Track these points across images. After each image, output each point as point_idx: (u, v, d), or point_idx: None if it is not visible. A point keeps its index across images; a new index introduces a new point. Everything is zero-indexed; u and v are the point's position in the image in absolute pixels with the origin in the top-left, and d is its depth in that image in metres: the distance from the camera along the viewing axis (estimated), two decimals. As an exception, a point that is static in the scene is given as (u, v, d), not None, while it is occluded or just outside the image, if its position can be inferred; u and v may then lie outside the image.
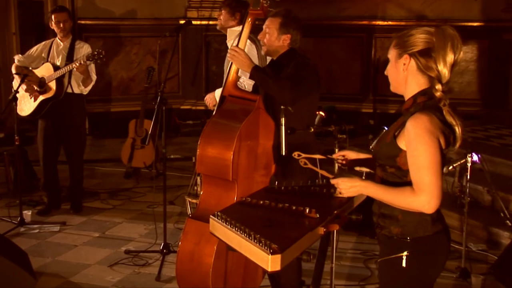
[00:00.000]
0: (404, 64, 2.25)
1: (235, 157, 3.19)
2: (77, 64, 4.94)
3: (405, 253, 2.24)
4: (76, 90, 5.26)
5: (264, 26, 3.55)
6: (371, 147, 2.48)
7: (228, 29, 4.58)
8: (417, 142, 2.14)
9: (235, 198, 3.20)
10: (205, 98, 4.54)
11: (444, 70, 2.18)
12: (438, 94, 2.19)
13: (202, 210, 3.33)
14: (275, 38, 3.49)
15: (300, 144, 3.38)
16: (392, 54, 2.29)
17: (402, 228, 2.26)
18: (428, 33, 2.21)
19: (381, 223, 2.33)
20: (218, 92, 4.27)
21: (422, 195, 2.14)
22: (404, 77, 2.27)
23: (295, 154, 2.70)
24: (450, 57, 2.17)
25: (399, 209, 2.24)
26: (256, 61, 4.10)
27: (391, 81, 2.33)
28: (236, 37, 3.95)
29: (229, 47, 3.98)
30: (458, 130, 2.20)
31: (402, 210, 2.23)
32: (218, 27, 4.70)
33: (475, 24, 8.25)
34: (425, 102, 2.21)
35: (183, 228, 3.40)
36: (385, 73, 2.35)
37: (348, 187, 2.35)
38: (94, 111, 8.55)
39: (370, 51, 8.75)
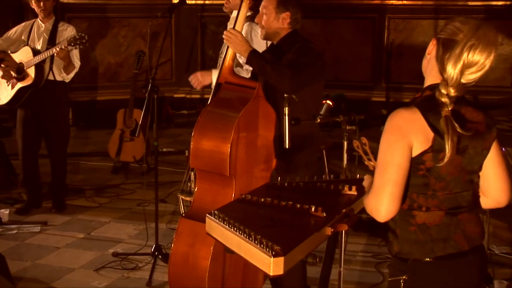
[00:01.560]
0: (430, 47, 2.15)
1: (232, 150, 3.19)
2: (57, 49, 4.92)
3: (403, 277, 2.12)
4: (58, 77, 5.25)
5: (260, 8, 3.55)
6: None
7: (234, 12, 4.50)
8: (383, 137, 2.05)
9: (233, 195, 3.21)
10: (190, 78, 4.26)
11: (451, 71, 2.01)
12: (443, 99, 2.02)
13: (196, 208, 3.34)
14: (274, 18, 3.50)
15: (305, 136, 3.39)
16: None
17: (400, 246, 2.14)
18: (464, 24, 2.04)
19: (389, 237, 2.22)
20: (215, 74, 4.02)
21: (369, 198, 2.05)
22: (427, 61, 2.17)
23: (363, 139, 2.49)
24: (463, 59, 1.99)
25: (398, 222, 2.12)
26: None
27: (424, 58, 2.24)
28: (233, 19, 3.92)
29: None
30: (447, 142, 1.97)
31: (399, 224, 2.12)
32: (226, 10, 4.52)
33: (500, 3, 8.23)
34: (426, 96, 2.10)
35: (176, 228, 3.40)
36: None
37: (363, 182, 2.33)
38: (79, 100, 8.55)
39: (382, 33, 8.73)
